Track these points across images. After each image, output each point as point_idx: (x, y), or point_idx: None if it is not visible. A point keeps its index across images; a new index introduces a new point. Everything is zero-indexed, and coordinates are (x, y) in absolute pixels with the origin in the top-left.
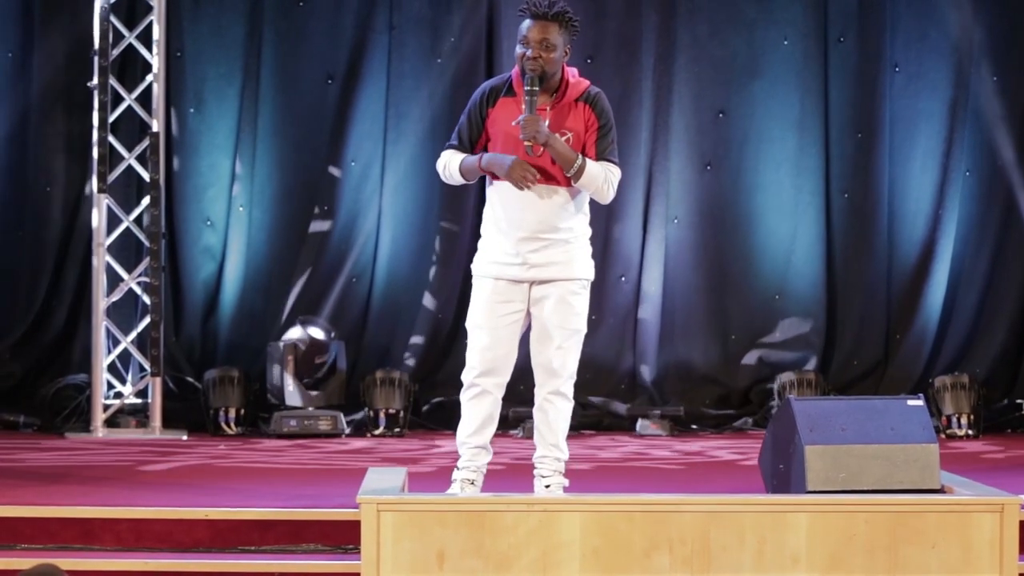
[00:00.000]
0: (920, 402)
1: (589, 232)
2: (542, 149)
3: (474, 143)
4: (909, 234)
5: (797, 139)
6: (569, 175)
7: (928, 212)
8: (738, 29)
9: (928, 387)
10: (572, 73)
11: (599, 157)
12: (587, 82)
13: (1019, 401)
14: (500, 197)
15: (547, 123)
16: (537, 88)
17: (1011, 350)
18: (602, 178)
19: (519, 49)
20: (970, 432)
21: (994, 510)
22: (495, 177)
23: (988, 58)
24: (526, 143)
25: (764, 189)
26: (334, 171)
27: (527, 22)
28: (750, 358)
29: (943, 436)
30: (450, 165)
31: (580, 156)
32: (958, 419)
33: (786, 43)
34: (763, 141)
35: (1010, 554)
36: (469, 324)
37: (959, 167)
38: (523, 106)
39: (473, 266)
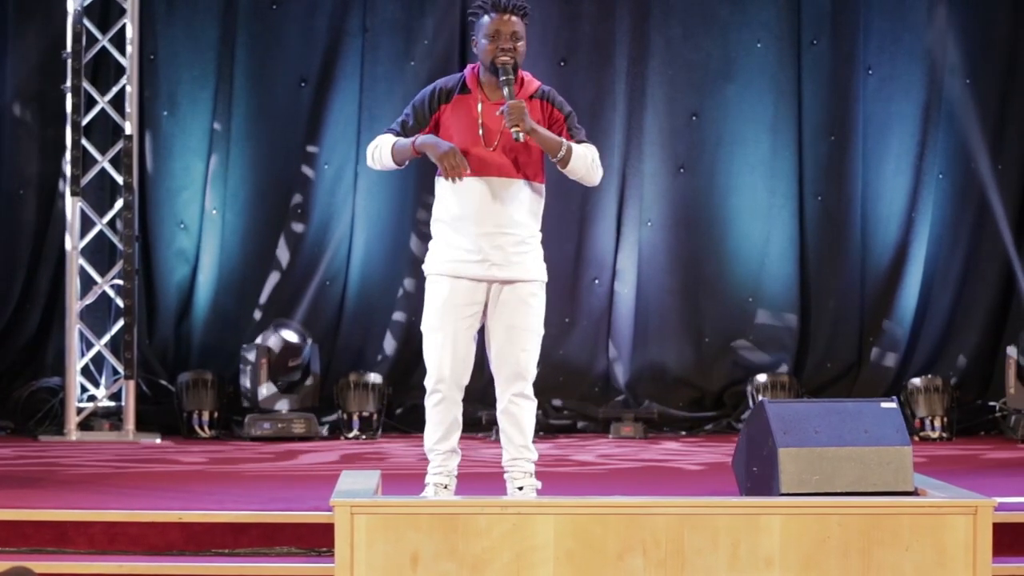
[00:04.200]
0: (894, 404)
1: (540, 236)
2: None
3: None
4: (882, 237)
5: (770, 142)
6: (557, 159)
7: (901, 215)
8: (711, 32)
9: (902, 389)
10: (523, 72)
11: (575, 142)
12: (538, 81)
13: (992, 403)
14: (456, 192)
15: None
16: (513, 77)
17: (984, 352)
18: (590, 158)
19: (485, 43)
20: (944, 434)
21: (968, 512)
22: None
23: (961, 61)
24: (512, 130)
25: (738, 192)
26: (307, 174)
27: (493, 16)
28: (724, 360)
29: (917, 438)
30: (382, 146)
31: (564, 140)
32: (932, 421)
33: (759, 46)
34: (736, 144)
35: (983, 557)
36: (425, 327)
37: (932, 170)
38: (503, 93)
39: (426, 267)
